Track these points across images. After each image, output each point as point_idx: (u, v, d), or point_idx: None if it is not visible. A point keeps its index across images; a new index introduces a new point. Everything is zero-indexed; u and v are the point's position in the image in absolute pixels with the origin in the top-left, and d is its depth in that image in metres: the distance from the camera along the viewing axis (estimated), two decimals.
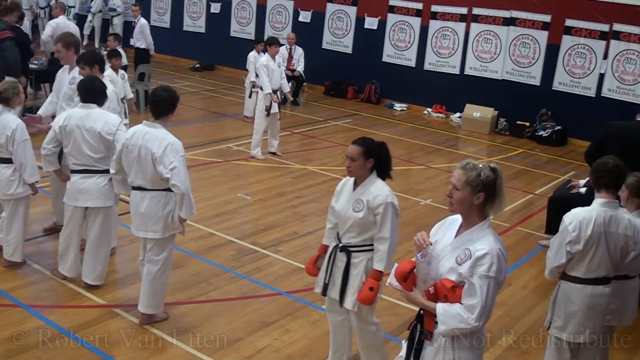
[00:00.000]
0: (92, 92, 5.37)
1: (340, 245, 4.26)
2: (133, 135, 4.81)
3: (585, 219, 4.01)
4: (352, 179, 4.26)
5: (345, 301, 4.26)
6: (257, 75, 10.92)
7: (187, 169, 4.83)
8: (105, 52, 9.29)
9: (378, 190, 4.13)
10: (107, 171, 5.26)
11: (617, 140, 5.96)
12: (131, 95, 8.50)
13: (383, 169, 4.24)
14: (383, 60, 14.21)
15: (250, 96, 11.51)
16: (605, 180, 4.09)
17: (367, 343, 4.43)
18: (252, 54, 11.63)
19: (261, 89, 9.53)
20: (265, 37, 12.58)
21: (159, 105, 4.85)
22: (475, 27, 13.15)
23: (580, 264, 4.07)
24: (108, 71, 8.02)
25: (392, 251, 4.15)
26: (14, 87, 5.59)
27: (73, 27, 10.74)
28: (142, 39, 12.53)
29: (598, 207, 4.06)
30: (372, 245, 4.18)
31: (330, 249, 4.35)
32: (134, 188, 4.90)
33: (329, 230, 4.43)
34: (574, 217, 4.05)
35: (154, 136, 4.74)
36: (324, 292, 4.37)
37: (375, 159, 4.17)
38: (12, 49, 8.78)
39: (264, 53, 9.89)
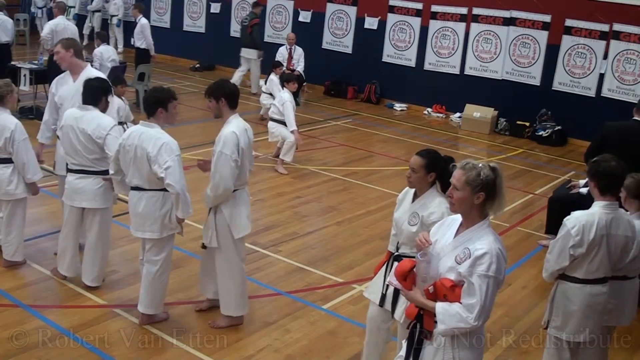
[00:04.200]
0: (90, 92, 5.34)
1: (396, 254, 4.18)
2: (130, 136, 4.83)
3: (588, 222, 3.98)
4: (413, 189, 4.13)
5: (396, 312, 4.15)
6: (271, 96, 10.82)
7: (182, 169, 4.84)
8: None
9: (435, 207, 3.99)
10: (103, 172, 5.25)
11: (615, 141, 5.94)
12: (132, 118, 8.46)
13: (446, 184, 4.05)
14: (383, 60, 14.22)
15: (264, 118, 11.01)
16: (615, 187, 4.07)
17: None
18: (275, 78, 11.12)
19: (281, 122, 9.25)
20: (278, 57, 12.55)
21: (148, 105, 4.91)
22: (475, 27, 13.15)
23: (581, 265, 4.06)
24: (115, 99, 7.91)
25: None
26: (8, 84, 5.57)
27: (72, 27, 10.73)
28: (142, 39, 12.50)
29: (599, 209, 4.03)
30: None
31: (390, 257, 4.26)
32: (132, 188, 4.93)
33: (392, 237, 4.33)
34: (576, 221, 4.01)
35: (150, 136, 4.76)
36: (382, 302, 4.24)
37: (438, 173, 4.01)
38: None
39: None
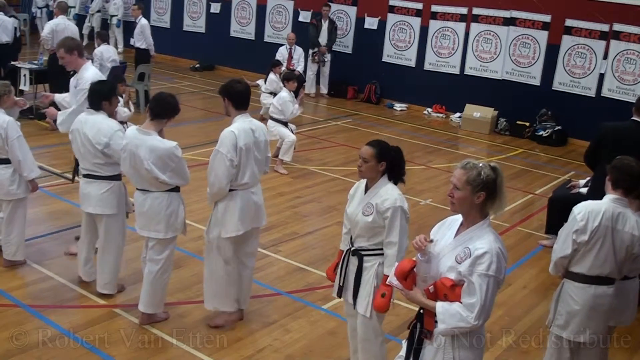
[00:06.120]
0: (90, 97, 5.27)
1: (353, 249, 4.23)
2: (127, 144, 4.84)
3: (594, 210, 4.05)
4: (364, 182, 4.22)
5: (358, 305, 4.22)
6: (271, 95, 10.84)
7: (186, 166, 4.91)
8: None
9: (387, 193, 4.07)
10: (109, 177, 5.22)
11: (609, 142, 5.94)
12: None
13: (396, 173, 4.19)
14: (383, 60, 14.22)
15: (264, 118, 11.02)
16: (628, 183, 4.11)
17: (370, 355, 4.36)
18: (274, 78, 11.14)
19: (280, 122, 9.34)
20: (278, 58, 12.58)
21: (159, 107, 4.88)
22: (475, 27, 13.15)
23: (586, 258, 4.08)
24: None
25: (401, 255, 4.06)
26: (6, 85, 5.60)
27: (73, 28, 10.73)
28: (142, 39, 12.49)
29: (608, 202, 4.09)
30: (383, 249, 4.14)
31: (344, 253, 4.32)
32: (138, 189, 4.96)
33: (344, 235, 4.39)
34: (583, 207, 4.10)
35: (147, 144, 4.75)
36: (339, 294, 4.35)
37: (388, 162, 4.13)
38: None
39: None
